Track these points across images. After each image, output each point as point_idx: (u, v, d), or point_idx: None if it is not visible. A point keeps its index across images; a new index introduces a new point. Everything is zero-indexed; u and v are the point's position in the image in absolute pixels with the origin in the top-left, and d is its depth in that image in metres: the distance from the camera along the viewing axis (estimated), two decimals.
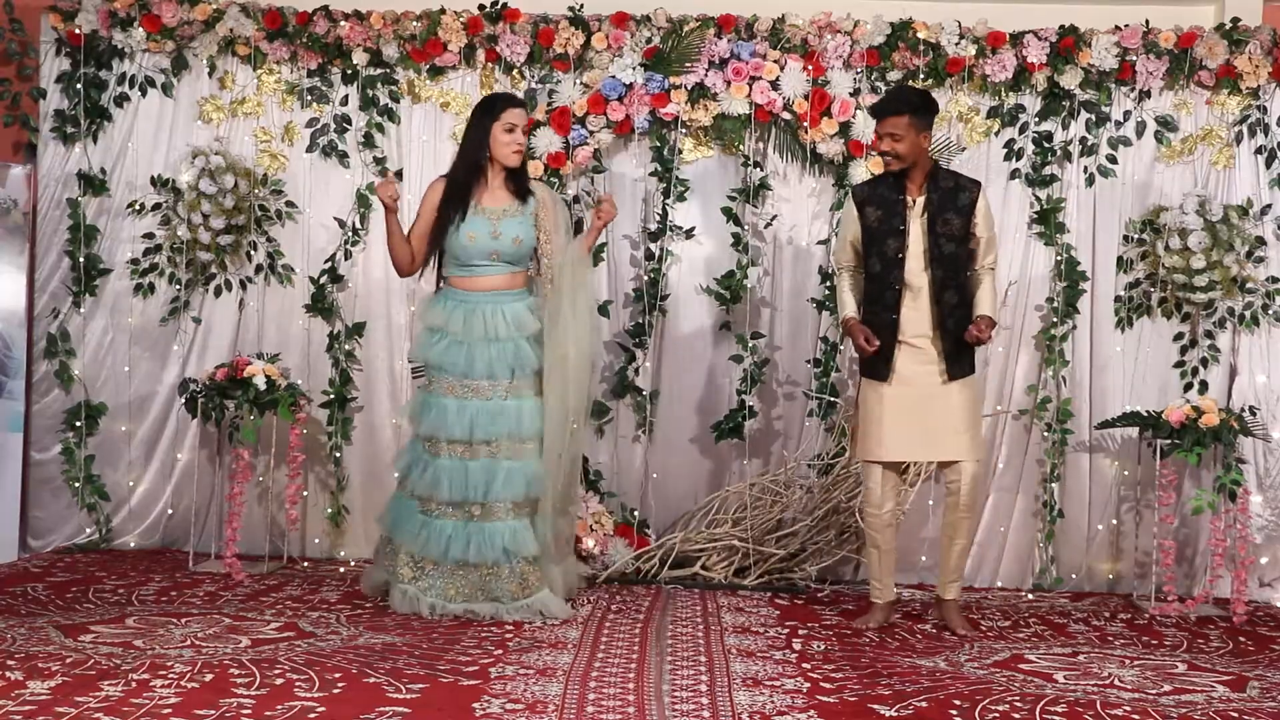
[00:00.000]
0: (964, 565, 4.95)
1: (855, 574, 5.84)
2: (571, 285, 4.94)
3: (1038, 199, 5.88)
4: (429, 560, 4.84)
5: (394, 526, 4.95)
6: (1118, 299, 5.90)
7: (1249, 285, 5.80)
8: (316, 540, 6.06)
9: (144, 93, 6.06)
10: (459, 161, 5.01)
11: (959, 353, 4.82)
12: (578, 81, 5.86)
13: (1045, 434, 5.88)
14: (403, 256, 4.99)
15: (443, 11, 5.92)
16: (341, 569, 5.80)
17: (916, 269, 4.79)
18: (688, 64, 5.78)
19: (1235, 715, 3.77)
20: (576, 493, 5.23)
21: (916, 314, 4.80)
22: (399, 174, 6.01)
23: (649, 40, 5.83)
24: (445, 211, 4.91)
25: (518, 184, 4.97)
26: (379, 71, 5.99)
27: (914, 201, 4.82)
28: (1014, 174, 5.90)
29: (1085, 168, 5.89)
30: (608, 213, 5.01)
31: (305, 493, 6.00)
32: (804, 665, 4.20)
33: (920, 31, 5.83)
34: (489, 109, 4.95)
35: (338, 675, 3.83)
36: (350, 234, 6.01)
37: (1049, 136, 5.88)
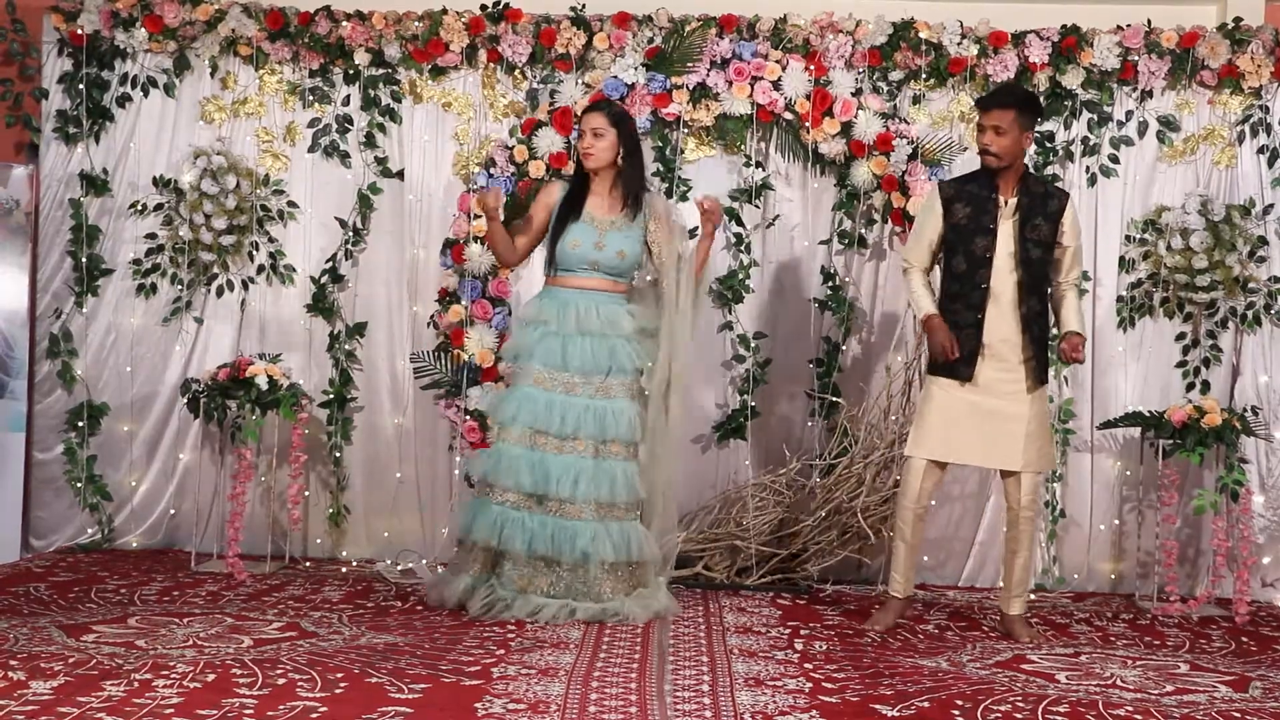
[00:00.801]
0: (1028, 579, 4.85)
1: (858, 574, 5.83)
2: (686, 304, 4.94)
3: None
4: (508, 555, 4.81)
5: (471, 526, 4.88)
6: (1120, 299, 5.90)
7: (1251, 285, 5.80)
8: (318, 540, 6.06)
9: (146, 93, 6.06)
10: (574, 170, 5.10)
11: (1040, 360, 4.76)
12: (580, 81, 5.86)
13: None
14: (506, 252, 5.05)
15: (444, 12, 5.93)
16: (343, 569, 5.80)
17: (1004, 270, 4.71)
18: (689, 64, 5.77)
19: (1238, 715, 3.76)
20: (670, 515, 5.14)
21: (1000, 318, 4.72)
22: (400, 174, 6.01)
23: (651, 40, 5.83)
24: (559, 217, 4.94)
25: (626, 191, 4.95)
26: (381, 71, 6.00)
27: (1006, 203, 4.74)
28: None
29: (1087, 167, 5.89)
30: (715, 213, 4.95)
31: (307, 493, 6.00)
32: (806, 665, 4.20)
33: (922, 31, 5.83)
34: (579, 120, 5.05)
35: (340, 675, 3.83)
36: (351, 234, 6.01)
37: (1051, 136, 5.87)
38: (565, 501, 4.79)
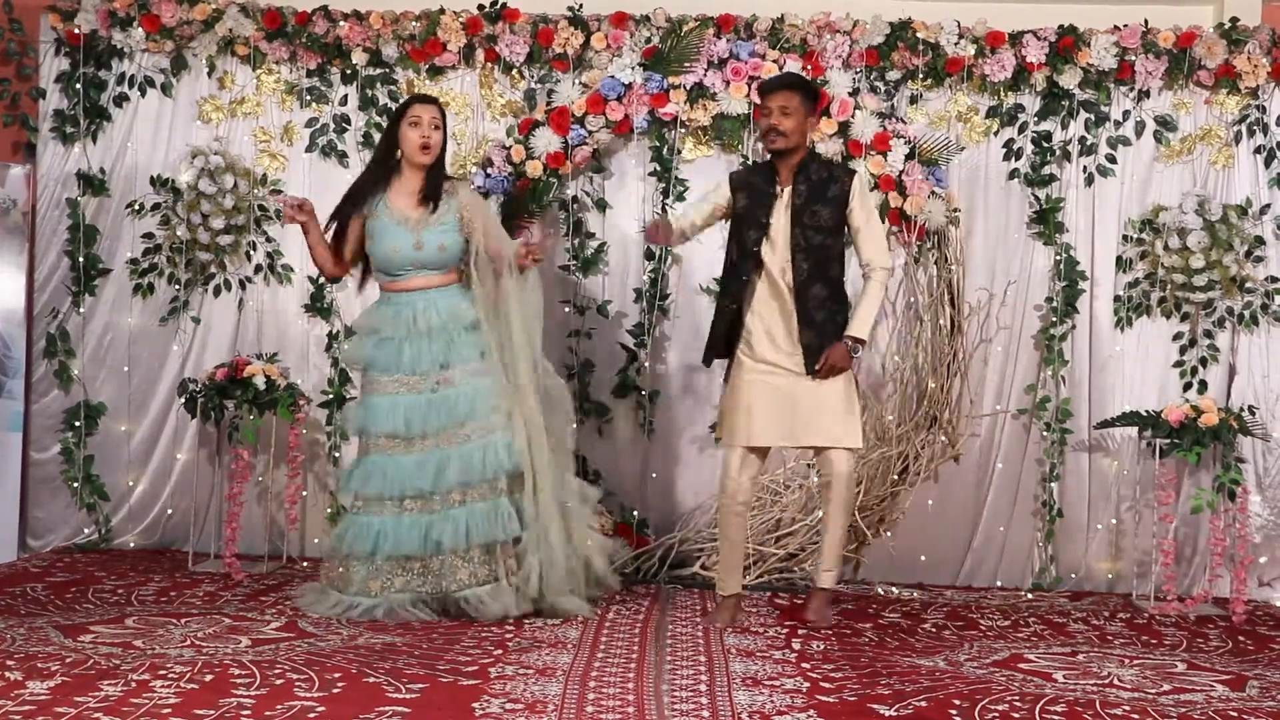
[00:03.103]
0: (836, 555, 4.83)
1: (855, 573, 5.84)
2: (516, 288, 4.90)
3: (1037, 199, 5.88)
4: (376, 560, 4.75)
5: (344, 543, 4.83)
6: (1117, 298, 5.90)
7: (1248, 285, 5.81)
8: (316, 540, 6.06)
9: (143, 93, 6.06)
10: (369, 164, 5.01)
11: (824, 346, 4.70)
12: (577, 81, 5.86)
13: (1044, 433, 5.88)
14: (326, 263, 4.98)
15: (442, 11, 5.93)
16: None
17: (778, 261, 4.70)
18: (687, 64, 5.77)
19: (1235, 714, 3.77)
20: (568, 481, 5.03)
21: (769, 307, 4.71)
22: None
23: (648, 40, 5.83)
24: (349, 214, 4.87)
25: (431, 185, 4.88)
26: (378, 71, 6.00)
27: (783, 192, 4.73)
28: (1013, 174, 5.90)
29: (1084, 167, 5.89)
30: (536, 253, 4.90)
31: (304, 492, 6.00)
32: (803, 665, 4.20)
33: (919, 31, 5.83)
34: (398, 109, 4.96)
35: (337, 675, 3.83)
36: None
37: (1048, 136, 5.88)
38: (428, 497, 4.76)
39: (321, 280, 6.00)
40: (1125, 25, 5.83)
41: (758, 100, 4.90)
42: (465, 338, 4.87)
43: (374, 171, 4.95)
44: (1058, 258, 5.86)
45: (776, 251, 4.72)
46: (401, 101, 5.14)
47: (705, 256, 5.97)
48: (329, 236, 4.95)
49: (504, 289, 4.88)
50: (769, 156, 4.85)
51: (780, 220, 4.72)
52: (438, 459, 4.77)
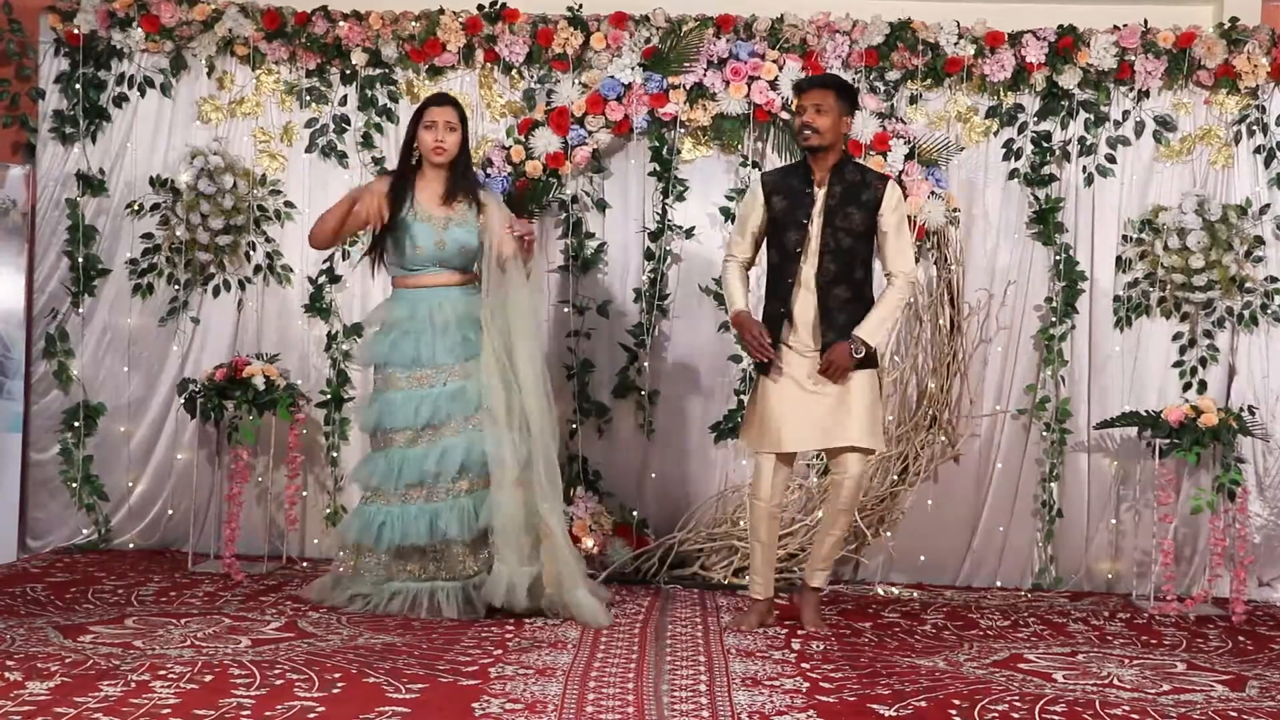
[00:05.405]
0: (834, 556, 4.84)
1: (855, 574, 5.84)
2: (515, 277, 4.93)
3: (1036, 199, 5.88)
4: (391, 550, 4.85)
5: (361, 534, 4.92)
6: (1116, 299, 5.90)
7: (1248, 285, 5.81)
8: (315, 540, 6.06)
9: (143, 93, 6.06)
10: (398, 163, 5.10)
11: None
12: (576, 81, 5.86)
13: (1044, 434, 5.88)
14: (327, 234, 5.03)
15: (441, 12, 5.93)
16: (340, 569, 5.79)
17: (813, 261, 4.68)
18: (686, 64, 5.77)
19: (1234, 714, 3.77)
20: (550, 485, 4.90)
21: (805, 307, 4.69)
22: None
23: (648, 40, 5.83)
24: (391, 212, 4.91)
25: (463, 188, 4.97)
26: (378, 72, 5.99)
27: (817, 191, 4.71)
28: (1012, 174, 5.90)
29: (1084, 167, 5.89)
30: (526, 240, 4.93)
31: (304, 493, 6.00)
32: (803, 665, 4.20)
33: (919, 31, 5.83)
34: (416, 111, 5.05)
35: (337, 675, 3.83)
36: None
37: (1047, 136, 5.88)
38: (432, 485, 4.82)
39: (321, 280, 6.00)
40: (1125, 25, 5.83)
41: (793, 100, 4.90)
42: (476, 335, 4.92)
43: (398, 172, 5.04)
44: (1057, 258, 5.86)
45: (812, 251, 4.69)
46: (420, 102, 5.16)
47: (705, 256, 5.98)
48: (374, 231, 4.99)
49: (509, 281, 4.89)
50: (803, 155, 4.81)
51: (818, 222, 4.69)
52: (443, 447, 4.84)
